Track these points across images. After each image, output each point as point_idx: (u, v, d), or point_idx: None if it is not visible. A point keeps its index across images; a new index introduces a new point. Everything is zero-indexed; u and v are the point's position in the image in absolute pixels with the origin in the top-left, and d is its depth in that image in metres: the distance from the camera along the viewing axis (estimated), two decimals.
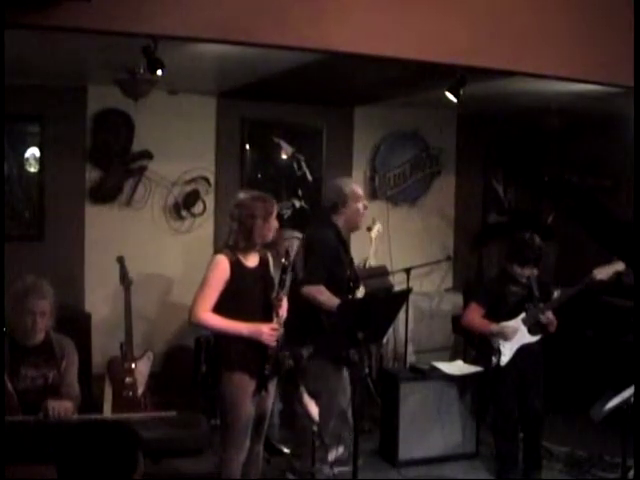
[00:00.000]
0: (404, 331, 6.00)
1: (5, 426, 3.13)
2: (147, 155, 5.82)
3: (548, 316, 4.51)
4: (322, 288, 4.33)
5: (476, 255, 7.11)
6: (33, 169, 5.63)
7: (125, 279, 5.06)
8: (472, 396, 5.01)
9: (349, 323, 3.60)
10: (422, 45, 3.79)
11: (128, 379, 4.86)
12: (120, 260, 5.13)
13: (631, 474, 4.11)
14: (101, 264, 5.57)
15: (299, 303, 4.40)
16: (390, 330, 5.27)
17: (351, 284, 4.44)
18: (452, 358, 6.00)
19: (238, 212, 3.72)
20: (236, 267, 3.70)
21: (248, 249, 3.76)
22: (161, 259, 5.95)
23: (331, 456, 4.59)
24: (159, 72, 3.71)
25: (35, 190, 5.61)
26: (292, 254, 3.96)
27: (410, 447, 4.87)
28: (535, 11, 4.03)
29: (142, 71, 4.56)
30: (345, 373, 4.50)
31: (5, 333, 3.61)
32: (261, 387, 3.70)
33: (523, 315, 4.55)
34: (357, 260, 5.07)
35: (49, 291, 3.66)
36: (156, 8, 3.23)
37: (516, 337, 4.55)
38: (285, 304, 3.84)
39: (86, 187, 5.73)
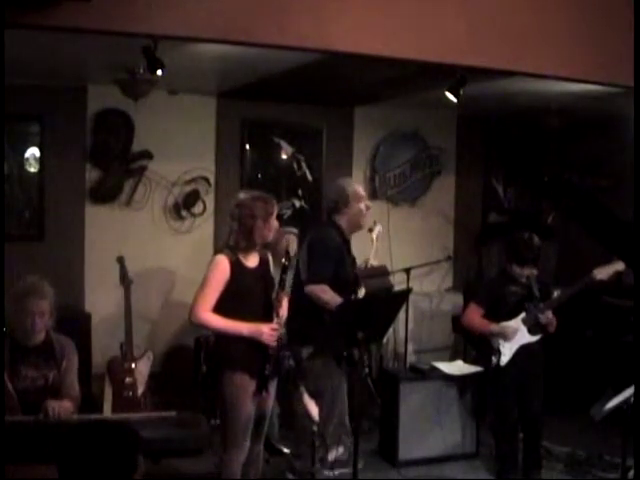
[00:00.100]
0: (404, 331, 6.00)
1: (5, 426, 3.13)
2: (147, 155, 5.82)
3: (548, 316, 4.51)
4: (326, 287, 4.35)
5: (476, 255, 7.11)
6: (33, 169, 5.63)
7: (125, 279, 5.06)
8: (472, 396, 5.01)
9: (349, 323, 3.60)
10: (422, 45, 3.80)
11: (128, 379, 4.86)
12: (120, 260, 5.13)
13: (631, 474, 4.11)
14: (101, 264, 5.57)
15: (302, 302, 4.42)
16: (390, 330, 5.29)
17: (355, 283, 4.45)
18: (452, 358, 6.00)
19: (238, 212, 3.72)
20: (236, 267, 3.70)
21: (248, 249, 3.76)
22: (161, 259, 5.95)
23: (331, 456, 4.60)
24: (159, 72, 3.72)
25: (35, 190, 5.61)
26: (291, 250, 3.96)
27: (410, 447, 4.87)
28: (535, 11, 4.03)
29: (142, 71, 4.57)
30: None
31: (5, 333, 3.61)
32: (261, 387, 3.70)
33: (523, 315, 4.55)
34: (359, 261, 5.07)
35: (49, 291, 3.66)
36: (156, 8, 3.23)
37: (516, 337, 4.55)
38: (285, 304, 3.84)
39: (86, 187, 5.73)
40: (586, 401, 4.12)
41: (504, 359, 4.56)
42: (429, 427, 4.92)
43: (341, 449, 4.67)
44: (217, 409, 4.27)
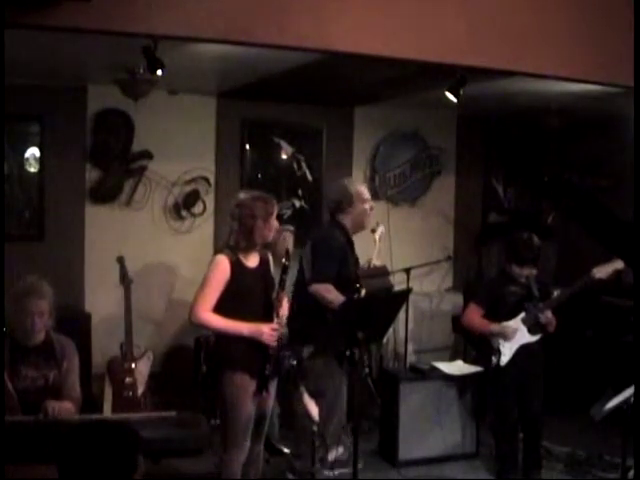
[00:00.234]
0: (404, 331, 6.00)
1: (5, 426, 3.13)
2: (147, 155, 5.82)
3: (547, 316, 4.51)
4: (330, 287, 4.36)
5: (476, 255, 7.11)
6: (33, 169, 5.63)
7: (125, 279, 5.06)
8: (472, 396, 5.01)
9: (351, 322, 3.60)
10: (422, 45, 3.80)
11: (128, 379, 4.86)
12: (120, 260, 5.13)
13: (631, 474, 4.11)
14: (101, 264, 5.57)
15: (305, 301, 4.43)
16: (390, 330, 5.29)
17: (357, 283, 4.46)
18: (452, 358, 6.00)
19: (239, 212, 3.72)
20: (236, 267, 3.70)
21: (248, 249, 3.76)
22: (161, 259, 5.94)
23: (331, 456, 4.60)
24: (159, 72, 3.72)
25: (35, 190, 5.61)
26: (290, 247, 3.97)
27: (410, 447, 4.87)
28: (535, 11, 4.03)
29: (142, 71, 4.57)
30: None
31: (5, 333, 3.61)
32: (262, 387, 3.70)
33: (523, 315, 4.55)
34: (361, 261, 5.08)
35: (48, 291, 3.65)
36: (156, 8, 3.23)
37: (516, 337, 4.55)
38: (286, 304, 3.85)
39: (86, 187, 5.73)
40: (586, 401, 4.12)
41: (504, 359, 4.56)
42: (429, 427, 4.92)
43: (341, 449, 4.67)
44: (217, 409, 4.27)
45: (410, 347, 6.25)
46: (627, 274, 5.32)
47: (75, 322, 5.03)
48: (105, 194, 5.76)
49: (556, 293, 4.65)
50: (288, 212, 6.23)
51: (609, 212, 5.64)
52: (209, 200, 6.09)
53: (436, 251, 6.73)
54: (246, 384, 3.68)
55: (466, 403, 5.01)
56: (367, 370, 5.67)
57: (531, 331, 4.57)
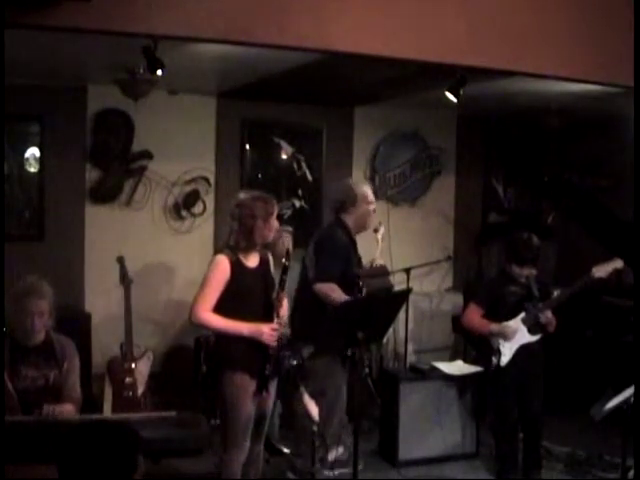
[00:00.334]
0: (404, 331, 5.99)
1: (5, 426, 3.13)
2: (147, 155, 5.82)
3: (547, 315, 4.51)
4: (334, 286, 4.37)
5: (476, 255, 7.11)
6: (33, 169, 5.63)
7: (125, 279, 5.06)
8: (472, 396, 5.01)
9: (352, 322, 3.60)
10: (422, 45, 3.80)
11: (128, 379, 4.86)
12: (120, 260, 5.13)
13: (631, 474, 4.11)
14: (101, 264, 5.57)
15: (307, 300, 4.43)
16: (390, 330, 5.29)
17: (360, 283, 4.47)
18: (452, 358, 6.00)
19: (239, 212, 3.71)
20: (237, 267, 3.70)
21: (248, 249, 3.76)
22: (161, 259, 5.94)
23: (331, 456, 4.60)
24: (159, 72, 3.72)
25: (35, 190, 5.61)
26: (290, 248, 3.97)
27: (410, 447, 4.87)
28: (535, 11, 4.03)
29: (142, 71, 4.57)
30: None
31: (5, 333, 3.61)
32: (262, 387, 3.70)
33: (522, 315, 4.55)
34: (364, 261, 5.08)
35: (48, 291, 3.65)
36: (156, 8, 3.23)
37: (516, 337, 4.55)
38: (286, 304, 3.84)
39: (86, 187, 5.73)
40: (586, 401, 4.12)
41: (504, 359, 4.56)
42: (429, 427, 4.92)
43: (341, 449, 4.67)
44: (217, 409, 4.27)
45: (410, 347, 6.24)
46: (627, 274, 5.32)
47: (75, 322, 5.03)
48: (105, 194, 5.77)
49: (556, 293, 4.65)
50: (288, 212, 6.23)
51: (609, 212, 5.65)
52: (209, 200, 6.09)
53: (436, 251, 6.73)
54: (246, 384, 3.68)
55: (466, 403, 5.01)
56: (367, 370, 5.67)
57: (531, 331, 4.57)
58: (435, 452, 4.93)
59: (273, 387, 3.88)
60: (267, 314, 3.72)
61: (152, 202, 5.92)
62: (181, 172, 5.97)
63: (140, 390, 4.89)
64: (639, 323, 4.26)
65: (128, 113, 5.68)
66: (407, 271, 5.94)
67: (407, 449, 4.87)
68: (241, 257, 3.73)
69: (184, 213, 6.03)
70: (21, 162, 5.59)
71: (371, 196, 4.72)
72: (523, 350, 4.56)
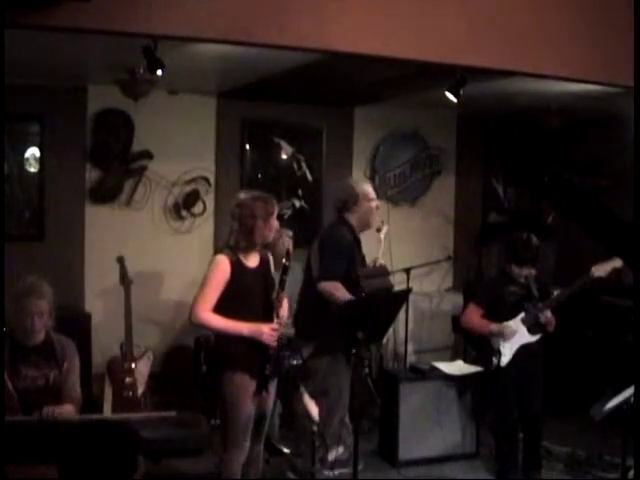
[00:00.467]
0: (404, 331, 6.00)
1: (5, 426, 3.13)
2: (147, 155, 5.82)
3: (547, 315, 4.51)
4: (338, 284, 4.38)
5: (476, 255, 7.11)
6: (33, 169, 5.63)
7: (125, 279, 5.06)
8: (472, 396, 5.01)
9: (350, 322, 3.60)
10: (422, 45, 3.80)
11: (128, 379, 4.86)
12: (120, 260, 5.13)
13: (631, 474, 4.11)
14: (101, 264, 5.57)
15: (312, 300, 4.43)
16: (390, 330, 5.29)
17: (358, 283, 4.47)
18: (452, 358, 6.00)
19: (239, 212, 3.71)
20: (237, 267, 3.69)
21: (249, 249, 3.76)
22: (161, 259, 5.94)
23: (331, 456, 4.60)
24: (159, 72, 3.72)
25: (35, 190, 5.61)
26: (290, 248, 3.97)
27: (410, 447, 4.87)
28: (535, 11, 4.03)
29: (142, 71, 4.57)
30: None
31: (5, 333, 3.61)
32: (262, 387, 3.70)
33: (522, 315, 4.55)
34: (367, 260, 5.08)
35: (48, 291, 3.66)
36: (156, 8, 3.23)
37: (516, 337, 4.55)
38: (286, 304, 3.84)
39: (86, 187, 5.73)
40: (586, 401, 4.12)
41: (504, 359, 4.56)
42: (429, 427, 4.92)
43: (341, 449, 4.67)
44: (217, 409, 4.26)
45: (410, 347, 6.25)
46: (627, 274, 5.32)
47: (75, 322, 5.03)
48: (105, 194, 5.77)
49: (556, 293, 4.65)
50: (288, 212, 6.23)
51: (609, 212, 5.65)
52: (209, 200, 6.09)
53: (436, 251, 6.74)
54: (246, 384, 3.68)
55: (466, 403, 5.01)
56: (367, 370, 5.68)
57: (531, 331, 4.57)
58: (435, 452, 4.93)
59: (273, 387, 3.88)
60: (267, 314, 3.72)
61: (152, 202, 5.92)
62: (181, 172, 5.97)
63: (140, 390, 4.89)
64: (639, 323, 4.26)
65: (128, 113, 5.68)
66: (407, 271, 5.94)
67: (407, 449, 4.87)
68: (241, 257, 3.73)
69: (184, 213, 6.03)
70: (21, 162, 5.59)
71: (372, 193, 4.73)
72: (523, 350, 4.56)
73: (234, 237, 3.73)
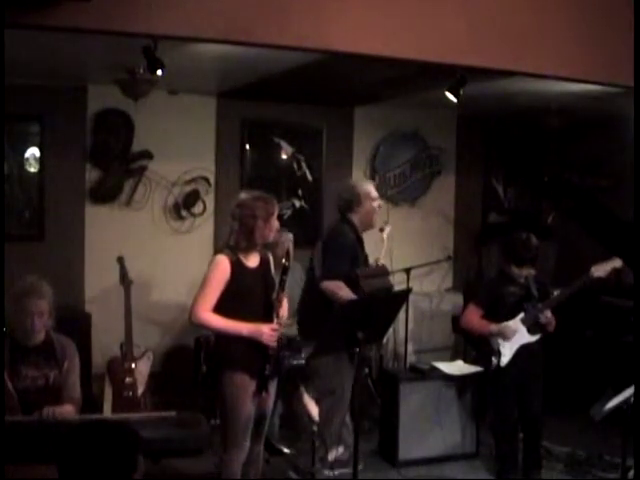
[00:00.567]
0: (404, 331, 6.00)
1: (5, 426, 3.13)
2: (147, 155, 5.83)
3: (547, 315, 4.51)
4: (341, 284, 4.38)
5: (476, 255, 7.11)
6: (33, 169, 5.63)
7: (125, 279, 5.06)
8: (472, 396, 5.01)
9: (350, 322, 3.60)
10: (422, 45, 3.80)
11: (128, 379, 4.85)
12: (120, 260, 5.13)
13: (631, 474, 4.11)
14: (101, 264, 5.57)
15: (315, 300, 4.43)
16: (390, 330, 5.29)
17: (357, 283, 4.47)
18: (452, 358, 6.00)
19: (239, 212, 3.71)
20: (237, 267, 3.69)
21: (249, 249, 3.75)
22: (161, 259, 5.94)
23: (331, 456, 4.60)
24: (159, 72, 3.72)
25: (35, 190, 5.62)
26: (290, 249, 3.97)
27: (410, 447, 4.87)
28: (535, 11, 4.03)
29: (142, 71, 4.57)
30: None
31: (5, 333, 3.61)
32: (261, 387, 3.70)
33: (522, 315, 4.55)
34: (370, 259, 5.08)
35: (48, 291, 3.65)
36: (156, 8, 3.23)
37: (515, 337, 4.55)
38: (285, 304, 3.84)
39: (86, 187, 5.74)
40: (586, 401, 4.12)
41: (504, 359, 4.55)
42: (429, 427, 4.92)
43: (341, 449, 4.67)
44: (217, 409, 4.26)
45: (410, 347, 6.25)
46: (627, 274, 5.32)
47: (75, 322, 5.03)
48: (105, 194, 5.77)
49: (555, 293, 4.65)
50: (288, 212, 6.24)
51: (609, 212, 5.65)
52: (209, 200, 6.09)
53: (436, 251, 6.74)
54: (246, 384, 3.68)
55: (466, 403, 5.01)
56: (367, 370, 5.68)
57: (531, 331, 4.57)
58: (435, 452, 4.93)
59: (273, 387, 3.87)
60: (267, 314, 3.72)
61: (152, 202, 5.92)
62: (181, 172, 5.97)
63: (140, 390, 4.89)
64: (639, 323, 4.26)
65: (128, 113, 5.68)
66: (407, 271, 5.95)
67: (407, 449, 4.87)
68: (241, 257, 3.73)
69: (184, 213, 6.03)
70: (21, 162, 5.59)
71: (374, 193, 4.73)
72: (523, 350, 4.56)
73: (234, 237, 3.73)
